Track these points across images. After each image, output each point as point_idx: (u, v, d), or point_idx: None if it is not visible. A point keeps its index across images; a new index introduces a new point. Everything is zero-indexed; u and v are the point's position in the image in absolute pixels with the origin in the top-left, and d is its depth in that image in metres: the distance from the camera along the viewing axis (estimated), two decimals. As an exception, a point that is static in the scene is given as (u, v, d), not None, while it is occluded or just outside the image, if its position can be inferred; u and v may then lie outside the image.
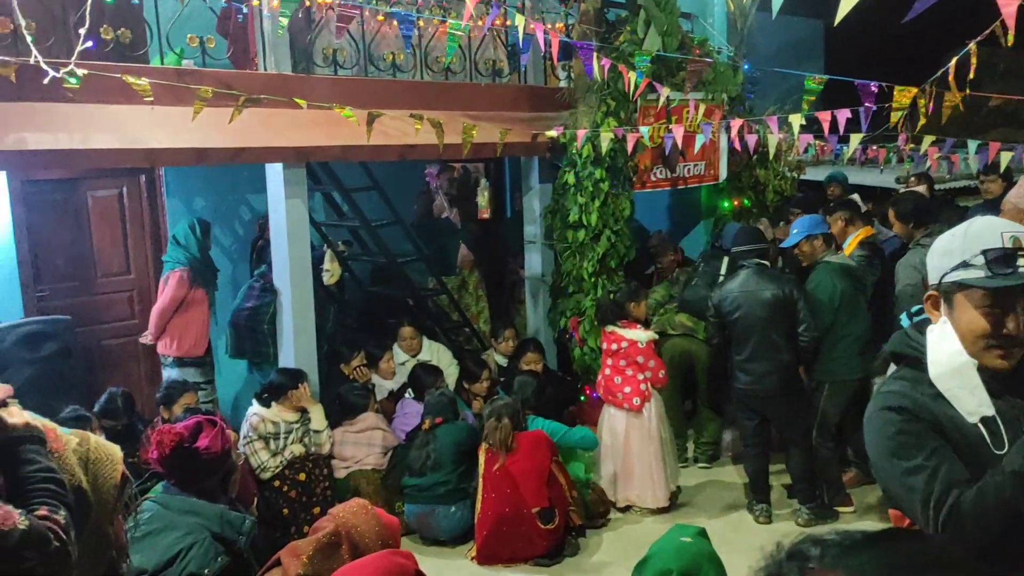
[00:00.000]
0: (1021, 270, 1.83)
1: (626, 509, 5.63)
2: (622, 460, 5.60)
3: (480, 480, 5.04)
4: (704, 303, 5.81)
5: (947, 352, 1.92)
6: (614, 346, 5.64)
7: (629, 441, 5.56)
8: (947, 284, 1.90)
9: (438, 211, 8.00)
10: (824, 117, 5.09)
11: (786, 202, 7.33)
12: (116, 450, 2.20)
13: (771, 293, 5.25)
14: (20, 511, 1.81)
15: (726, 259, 6.15)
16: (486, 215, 7.30)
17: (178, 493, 3.01)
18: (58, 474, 1.97)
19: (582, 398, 6.66)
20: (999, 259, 1.82)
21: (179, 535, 2.83)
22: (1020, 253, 1.83)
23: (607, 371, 5.71)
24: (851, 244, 5.73)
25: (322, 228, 6.86)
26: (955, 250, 1.90)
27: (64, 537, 1.85)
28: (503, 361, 6.66)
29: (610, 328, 5.66)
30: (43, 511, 1.85)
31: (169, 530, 2.84)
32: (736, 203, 7.50)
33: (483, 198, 7.27)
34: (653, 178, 6.78)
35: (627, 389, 5.58)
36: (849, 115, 4.96)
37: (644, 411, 5.56)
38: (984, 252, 1.84)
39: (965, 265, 1.86)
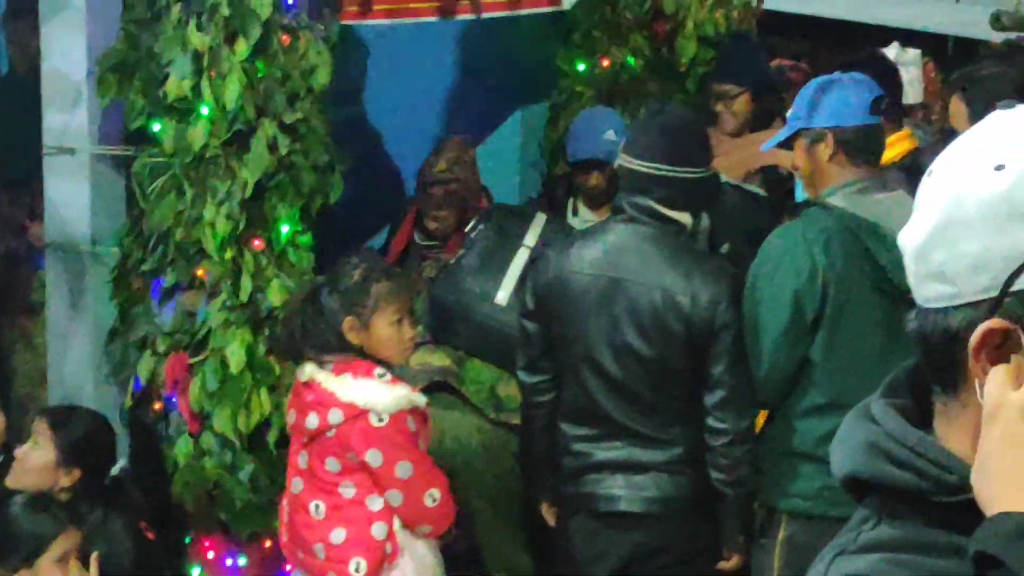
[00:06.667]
0: None
1: None
2: None
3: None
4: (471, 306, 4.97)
5: None
6: (312, 419, 4.18)
7: None
8: None
9: None
10: None
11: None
12: None
13: (662, 291, 4.11)
14: None
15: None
16: None
17: None
18: None
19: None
20: None
21: None
22: None
23: (297, 487, 4.31)
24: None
25: None
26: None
27: None
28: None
29: (307, 374, 4.28)
30: None
31: None
32: (605, 63, 5.70)
33: None
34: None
35: (337, 537, 4.19)
36: None
37: None
38: None
39: None
